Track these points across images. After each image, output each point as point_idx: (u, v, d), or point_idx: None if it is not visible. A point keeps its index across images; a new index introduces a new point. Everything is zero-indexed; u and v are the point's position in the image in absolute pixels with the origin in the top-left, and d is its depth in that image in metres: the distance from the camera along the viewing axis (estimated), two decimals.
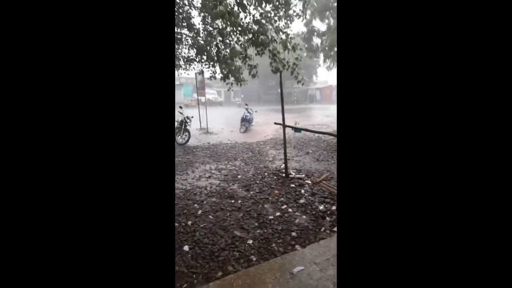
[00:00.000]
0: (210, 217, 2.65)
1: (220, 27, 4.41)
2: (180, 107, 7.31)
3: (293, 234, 2.32)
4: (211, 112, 11.06)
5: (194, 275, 1.80)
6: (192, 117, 7.18)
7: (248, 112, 8.97)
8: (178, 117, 6.83)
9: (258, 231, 2.38)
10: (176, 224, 2.48)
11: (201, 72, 7.17)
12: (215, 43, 4.73)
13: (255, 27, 4.01)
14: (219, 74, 5.09)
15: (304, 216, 2.65)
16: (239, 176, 3.95)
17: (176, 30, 4.80)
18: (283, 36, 4.22)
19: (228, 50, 4.78)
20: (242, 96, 24.20)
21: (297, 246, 2.13)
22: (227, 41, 4.69)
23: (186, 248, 2.10)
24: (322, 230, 2.39)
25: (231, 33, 4.37)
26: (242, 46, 4.38)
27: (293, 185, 3.50)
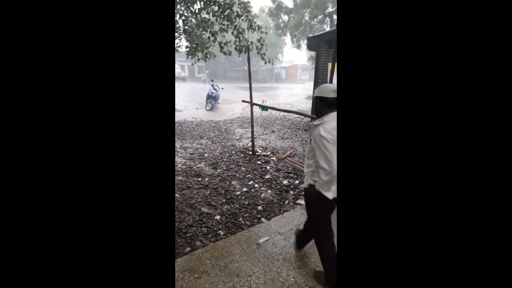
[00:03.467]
0: (177, 195, 2.62)
1: None
2: None
3: (259, 208, 2.43)
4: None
5: None
6: None
7: (214, 88, 8.67)
8: None
9: (225, 206, 2.44)
10: None
11: None
12: (180, 12, 4.33)
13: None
14: (182, 46, 4.73)
15: (269, 191, 2.77)
16: (206, 155, 3.91)
17: None
18: (248, 15, 4.03)
19: (193, 20, 4.42)
20: (207, 72, 23.18)
21: (263, 219, 2.25)
22: (192, 10, 4.32)
23: None
24: (286, 203, 2.54)
25: (196, 2, 4.03)
26: (207, 19, 4.09)
27: (260, 162, 3.59)
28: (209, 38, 4.15)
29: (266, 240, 1.91)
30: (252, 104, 3.71)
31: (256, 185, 2.89)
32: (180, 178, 3.03)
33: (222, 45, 4.04)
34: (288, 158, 3.78)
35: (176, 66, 21.26)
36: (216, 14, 3.82)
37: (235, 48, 3.94)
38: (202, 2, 3.88)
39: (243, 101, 4.14)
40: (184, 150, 4.10)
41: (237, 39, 3.87)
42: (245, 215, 2.31)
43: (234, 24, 3.77)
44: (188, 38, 4.40)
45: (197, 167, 3.38)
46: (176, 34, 4.72)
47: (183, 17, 4.34)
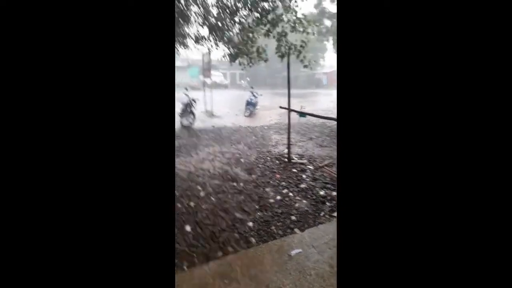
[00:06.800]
0: (212, 198, 2.70)
1: (230, 4, 4.21)
2: (186, 89, 7.29)
3: (293, 217, 2.36)
4: (216, 95, 10.95)
5: (194, 254, 1.86)
6: (197, 99, 7.14)
7: (253, 95, 8.85)
8: (183, 99, 6.81)
9: (258, 213, 2.42)
10: (178, 205, 2.54)
11: (208, 53, 6.98)
12: (228, 20, 4.53)
13: (264, 4, 3.82)
14: (228, 54, 4.91)
15: (304, 201, 2.68)
16: (241, 160, 3.97)
17: (183, 7, 4.61)
18: (292, 16, 4.00)
19: (238, 28, 4.57)
20: (248, 79, 23.79)
21: (296, 230, 2.17)
22: (237, 19, 4.48)
23: (188, 228, 2.16)
24: (321, 214, 2.42)
25: (241, 9, 4.17)
26: (250, 25, 4.19)
27: (295, 170, 3.51)
28: (246, 42, 4.23)
29: (299, 252, 1.83)
30: (289, 110, 3.67)
31: (291, 194, 2.82)
32: (216, 182, 3.12)
33: (260, 50, 4.08)
34: (326, 168, 3.61)
35: (219, 74, 22.29)
36: (259, 20, 3.89)
37: (277, 54, 3.93)
38: (245, 9, 4.00)
39: (280, 107, 4.12)
40: (222, 155, 4.23)
41: (279, 43, 3.86)
42: (277, 224, 2.26)
43: (277, 28, 3.78)
44: (232, 46, 4.57)
45: (233, 172, 3.45)
46: (219, 42, 4.94)
47: (225, 26, 4.51)
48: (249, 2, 3.76)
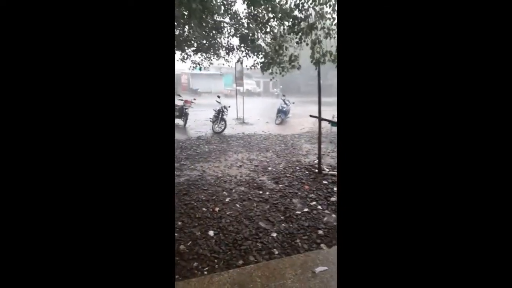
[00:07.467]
0: (237, 205, 2.69)
1: (260, 14, 4.29)
2: (218, 97, 7.57)
3: (320, 232, 2.23)
4: (249, 103, 11.13)
5: (215, 260, 1.85)
6: (229, 106, 7.33)
7: (285, 103, 8.80)
8: (215, 107, 7.07)
9: (283, 225, 2.34)
10: (204, 209, 2.58)
11: (240, 62, 7.19)
12: (259, 31, 4.63)
13: (297, 13, 3.80)
14: (260, 63, 4.99)
15: (333, 215, 2.52)
16: (269, 168, 3.92)
17: (215, 18, 4.82)
18: (327, 22, 3.90)
19: (269, 37, 4.63)
20: (281, 87, 23.83)
21: (322, 245, 2.04)
22: (269, 29, 4.54)
23: (211, 233, 2.17)
24: None
25: (272, 19, 4.22)
26: (281, 34, 4.20)
27: (326, 182, 3.35)
28: (276, 50, 4.23)
29: (324, 270, 1.71)
30: (320, 119, 3.54)
31: (319, 207, 2.68)
32: (242, 188, 3.11)
33: (292, 59, 4.05)
34: None
35: (251, 82, 22.74)
36: (290, 29, 3.88)
37: (311, 61, 3.87)
38: (277, 19, 4.02)
39: (311, 116, 4.01)
40: (250, 162, 4.23)
41: (313, 50, 3.80)
42: (303, 238, 2.15)
43: (310, 35, 3.72)
44: (263, 54, 4.62)
45: (260, 180, 3.41)
46: (250, 52, 5.05)
47: (255, 36, 4.57)
48: (280, 12, 3.77)
